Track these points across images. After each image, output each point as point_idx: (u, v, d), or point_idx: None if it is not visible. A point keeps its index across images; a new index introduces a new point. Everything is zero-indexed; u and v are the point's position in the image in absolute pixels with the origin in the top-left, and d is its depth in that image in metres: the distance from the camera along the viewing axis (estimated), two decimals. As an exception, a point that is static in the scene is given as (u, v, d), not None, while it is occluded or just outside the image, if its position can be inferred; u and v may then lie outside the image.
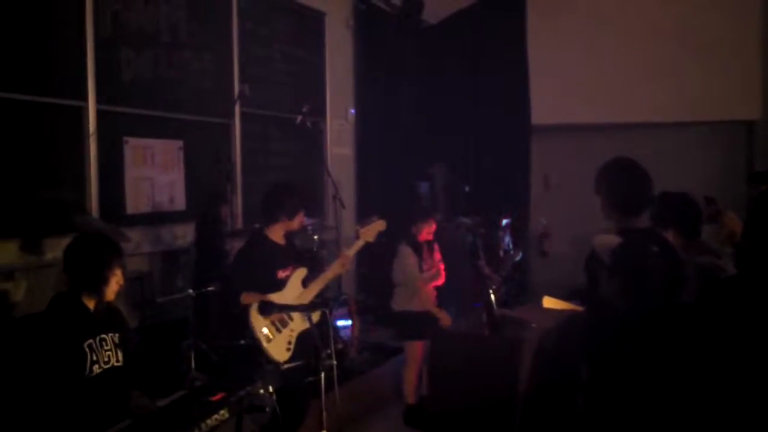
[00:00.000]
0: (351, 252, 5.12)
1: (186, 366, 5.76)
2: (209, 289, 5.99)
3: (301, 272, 5.07)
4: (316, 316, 4.57)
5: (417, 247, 6.43)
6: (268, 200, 5.10)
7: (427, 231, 6.47)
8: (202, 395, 3.44)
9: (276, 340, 4.83)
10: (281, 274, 4.99)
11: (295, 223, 5.05)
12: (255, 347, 4.86)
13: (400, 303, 6.44)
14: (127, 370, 3.64)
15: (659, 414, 3.41)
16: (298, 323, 4.87)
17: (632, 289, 3.50)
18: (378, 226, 5.14)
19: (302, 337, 4.89)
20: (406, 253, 6.40)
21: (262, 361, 4.76)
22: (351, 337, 7.28)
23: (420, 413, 6.11)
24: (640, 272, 3.49)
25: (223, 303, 6.00)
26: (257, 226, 5.27)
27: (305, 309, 4.60)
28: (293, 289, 4.99)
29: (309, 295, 5.00)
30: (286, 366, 4.74)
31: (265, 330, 4.80)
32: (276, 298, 4.83)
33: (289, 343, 4.88)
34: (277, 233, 5.04)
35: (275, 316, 4.79)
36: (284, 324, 4.88)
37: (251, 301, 4.78)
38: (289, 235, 5.18)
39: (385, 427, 6.49)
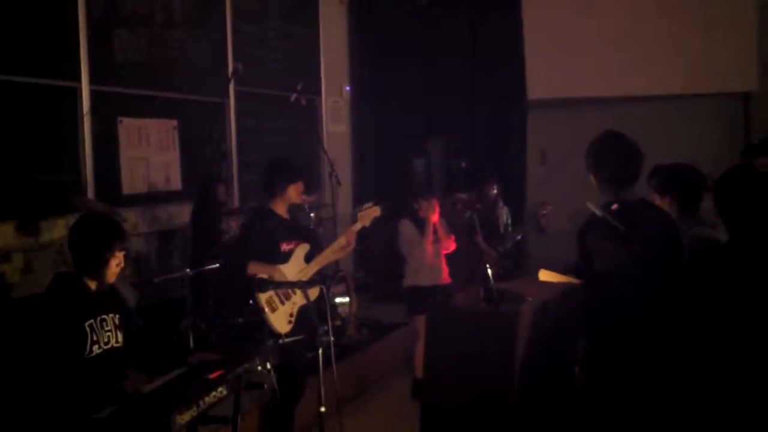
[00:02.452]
0: (354, 230, 5.12)
1: (185, 345, 5.77)
2: (206, 268, 5.99)
3: (304, 248, 5.08)
4: (314, 293, 4.58)
5: (418, 222, 6.44)
6: (268, 174, 5.11)
7: (427, 207, 6.42)
8: (200, 373, 3.45)
9: (279, 311, 4.86)
10: (285, 248, 5.00)
11: (294, 196, 5.03)
12: (254, 325, 4.88)
13: (408, 278, 6.49)
14: (127, 352, 3.64)
15: (659, 381, 3.44)
16: (300, 297, 4.88)
17: (642, 254, 3.51)
18: (373, 212, 5.17)
19: (303, 312, 4.90)
20: (404, 226, 6.45)
21: (262, 337, 4.77)
22: (349, 315, 7.30)
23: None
24: (646, 239, 3.51)
25: (225, 277, 6.01)
26: (253, 204, 5.28)
27: (302, 285, 4.61)
28: (296, 264, 5.01)
29: (310, 271, 5.03)
30: (286, 340, 4.76)
31: (270, 300, 4.82)
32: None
33: (291, 315, 4.90)
34: (280, 207, 5.04)
35: (279, 289, 4.81)
36: (287, 296, 4.91)
37: (258, 271, 4.80)
38: (292, 211, 5.20)
39: (383, 404, 6.52)
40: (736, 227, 3.04)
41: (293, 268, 4.97)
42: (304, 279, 4.90)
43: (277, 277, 4.80)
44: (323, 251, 5.13)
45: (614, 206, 3.64)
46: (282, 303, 4.88)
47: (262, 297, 4.80)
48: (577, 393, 4.47)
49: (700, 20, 9.59)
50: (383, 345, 7.37)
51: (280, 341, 4.67)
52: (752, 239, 3.00)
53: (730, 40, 9.68)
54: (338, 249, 5.13)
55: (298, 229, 5.27)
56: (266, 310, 4.81)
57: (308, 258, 5.07)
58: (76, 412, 3.19)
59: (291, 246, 5.03)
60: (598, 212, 3.64)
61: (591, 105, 10.03)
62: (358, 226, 5.13)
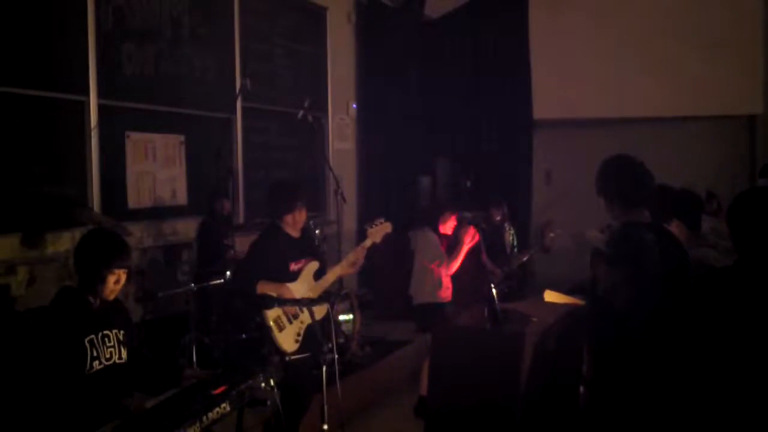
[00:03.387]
0: (365, 246, 5.11)
1: (187, 360, 5.76)
2: (211, 283, 5.99)
3: (313, 266, 5.05)
4: (320, 311, 4.56)
5: (439, 236, 6.44)
6: (270, 196, 5.11)
7: (451, 222, 6.45)
8: (203, 389, 3.44)
9: (287, 330, 4.84)
10: (293, 267, 4.97)
11: (291, 224, 5.00)
12: (257, 341, 4.86)
13: (426, 295, 6.41)
14: (131, 368, 3.62)
15: (662, 404, 3.43)
16: (308, 316, 4.84)
17: (631, 278, 3.51)
18: (385, 228, 5.13)
19: (311, 330, 4.87)
20: (431, 235, 6.41)
21: (266, 354, 4.75)
22: (352, 332, 7.28)
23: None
24: (637, 262, 3.51)
25: (231, 295, 6.00)
26: (258, 220, 5.27)
27: (306, 303, 4.58)
28: (304, 282, 4.98)
29: (320, 288, 5.01)
30: (292, 357, 4.74)
31: (278, 319, 4.81)
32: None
33: (298, 334, 4.87)
34: (290, 226, 5.04)
35: (287, 308, 4.79)
36: (295, 315, 4.89)
37: (266, 290, 4.77)
38: (303, 228, 5.17)
39: (386, 421, 6.49)
40: (745, 249, 3.03)
41: (302, 287, 4.95)
42: (314, 296, 4.88)
43: (286, 295, 4.77)
44: (332, 268, 5.11)
45: (607, 229, 3.68)
46: (290, 322, 4.86)
47: (270, 315, 4.77)
48: (581, 412, 4.46)
49: (706, 43, 9.61)
50: (387, 362, 7.34)
51: (286, 359, 4.65)
52: (759, 262, 2.99)
53: (736, 63, 9.71)
54: (347, 266, 5.12)
55: (307, 246, 5.23)
56: (274, 328, 4.78)
57: (317, 276, 5.06)
58: (76, 427, 3.17)
59: (300, 265, 5.00)
60: (592, 240, 3.68)
61: (596, 126, 10.05)
62: (368, 242, 5.09)
